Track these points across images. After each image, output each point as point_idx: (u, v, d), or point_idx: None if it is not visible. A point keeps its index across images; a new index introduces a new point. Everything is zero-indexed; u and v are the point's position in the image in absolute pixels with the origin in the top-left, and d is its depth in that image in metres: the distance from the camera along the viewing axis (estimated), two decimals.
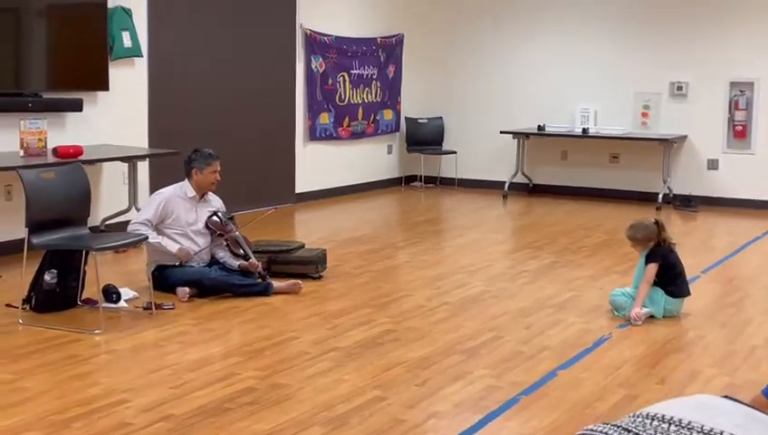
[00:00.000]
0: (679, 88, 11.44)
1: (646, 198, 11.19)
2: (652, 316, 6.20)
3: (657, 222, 6.43)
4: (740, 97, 11.17)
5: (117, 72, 8.47)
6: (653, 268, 6.22)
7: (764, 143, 11.12)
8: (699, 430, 1.97)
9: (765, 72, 10.99)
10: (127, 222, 6.83)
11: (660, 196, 11.24)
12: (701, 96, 11.35)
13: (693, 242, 8.57)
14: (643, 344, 5.70)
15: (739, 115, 11.19)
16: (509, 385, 4.90)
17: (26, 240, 5.80)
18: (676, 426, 2.01)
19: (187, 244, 6.63)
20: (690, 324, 6.21)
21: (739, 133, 11.22)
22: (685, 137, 11.48)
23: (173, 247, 6.51)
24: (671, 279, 6.28)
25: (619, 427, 2.14)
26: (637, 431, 2.06)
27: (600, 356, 5.46)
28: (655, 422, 2.06)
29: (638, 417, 2.16)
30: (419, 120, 12.62)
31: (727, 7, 11.05)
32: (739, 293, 7.31)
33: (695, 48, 11.29)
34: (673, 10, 11.31)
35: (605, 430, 2.14)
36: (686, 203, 11.17)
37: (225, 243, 6.74)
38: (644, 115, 11.63)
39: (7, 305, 6.08)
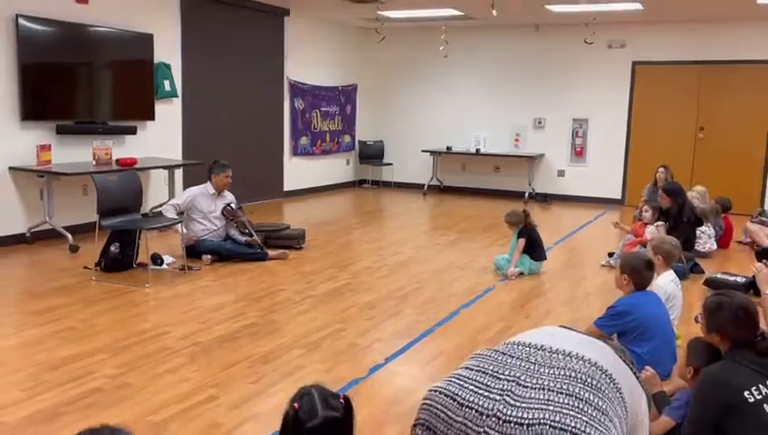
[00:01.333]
0: (539, 122, 11.54)
1: (517, 196, 11.27)
2: (522, 274, 6.28)
3: (524, 211, 6.51)
4: (579, 128, 11.31)
5: (160, 108, 8.36)
6: (522, 242, 6.30)
7: (594, 159, 11.26)
8: (549, 349, 2.00)
9: (594, 112, 11.14)
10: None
11: (527, 194, 11.36)
12: (553, 127, 11.46)
13: (548, 224, 8.71)
14: (515, 292, 5.78)
15: (578, 140, 11.34)
16: (428, 320, 4.95)
17: (97, 223, 5.76)
18: (535, 348, 2.05)
19: (209, 225, 6.61)
20: (546, 279, 6.29)
21: (578, 152, 11.38)
22: (542, 155, 11.58)
23: (196, 229, 6.59)
24: (534, 249, 6.37)
25: (497, 351, 2.17)
26: (509, 353, 2.09)
27: (488, 300, 5.53)
28: (520, 346, 2.09)
29: (509, 343, 2.19)
30: (368, 142, 12.60)
31: (570, 69, 11.16)
32: (578, 258, 7.43)
33: (549, 96, 11.39)
34: (536, 71, 11.40)
35: (488, 353, 2.17)
36: (544, 199, 11.32)
37: (235, 225, 6.70)
38: (516, 140, 11.71)
39: (85, 267, 6.01)
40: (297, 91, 10.90)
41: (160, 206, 7.96)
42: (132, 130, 7.96)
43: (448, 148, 11.89)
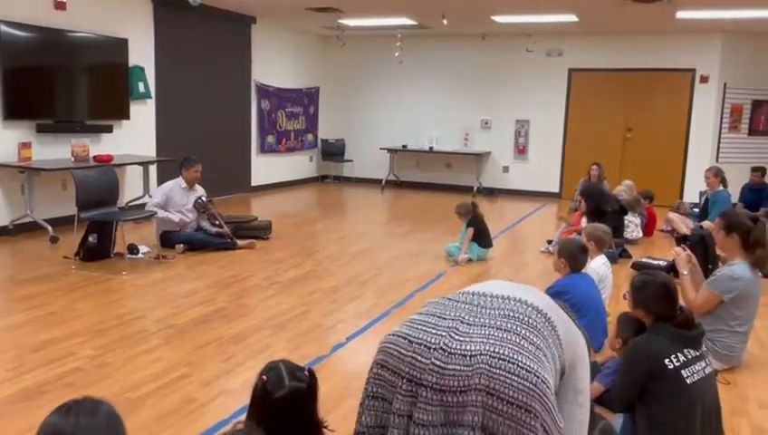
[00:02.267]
0: (486, 122, 11.64)
1: (466, 190, 11.35)
2: (471, 260, 6.35)
3: (473, 203, 6.59)
4: (521, 129, 11.44)
5: (135, 108, 8.20)
6: (471, 231, 6.37)
7: (534, 157, 11.40)
8: (491, 295, 2.04)
9: (534, 114, 11.28)
10: (142, 205, 6.67)
11: (475, 188, 11.45)
12: (498, 128, 11.56)
13: (494, 215, 8.79)
14: (465, 276, 5.83)
15: (521, 140, 11.47)
16: (386, 302, 4.98)
17: (76, 215, 5.67)
18: (478, 295, 2.07)
19: (182, 218, 6.52)
20: (493, 264, 6.38)
21: (521, 150, 11.51)
22: (489, 152, 11.68)
23: (176, 218, 6.45)
24: (481, 237, 6.45)
25: (445, 298, 2.21)
26: (455, 299, 2.12)
27: (440, 284, 5.58)
28: (466, 294, 2.13)
29: (458, 293, 2.22)
30: (329, 140, 12.53)
31: (513, 75, 11.28)
32: (521, 245, 7.55)
33: (495, 99, 11.49)
34: (483, 76, 11.50)
35: (437, 300, 2.21)
36: (490, 192, 11.42)
37: (206, 217, 6.63)
38: (466, 139, 11.78)
39: (64, 257, 5.89)
40: (263, 93, 10.79)
41: (136, 199, 7.88)
42: (108, 129, 7.81)
43: (404, 146, 11.91)
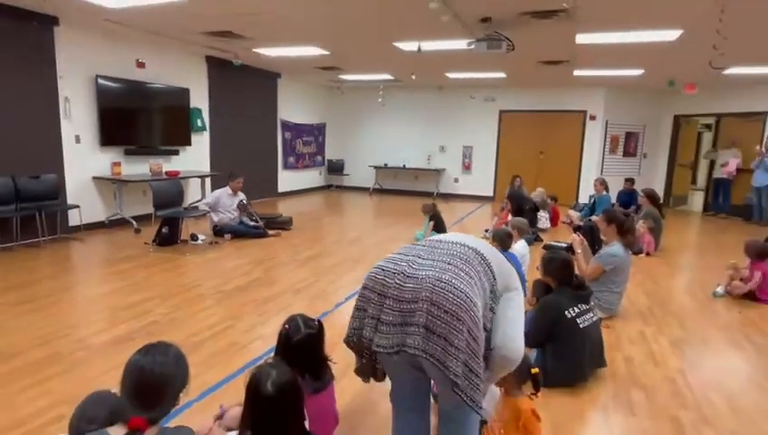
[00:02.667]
0: (442, 148, 11.58)
1: (429, 195, 11.31)
2: None
3: (434, 204, 6.57)
4: (467, 152, 11.42)
5: (195, 138, 8.07)
6: (432, 224, 6.36)
7: (476, 171, 11.34)
8: (443, 240, 2.00)
9: (476, 142, 11.23)
10: (197, 207, 6.56)
11: (435, 193, 11.41)
12: (451, 151, 11.52)
13: (448, 212, 8.79)
14: None
15: (466, 160, 11.42)
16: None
17: (153, 213, 5.59)
18: (435, 240, 2.02)
19: (229, 215, 6.44)
20: None
21: (467, 167, 11.48)
22: (444, 169, 11.63)
23: (216, 217, 6.38)
24: (439, 227, 6.40)
25: (409, 245, 2.14)
26: (418, 245, 2.06)
27: None
28: (426, 240, 2.08)
29: (427, 239, 2.14)
30: (333, 160, 12.42)
31: (461, 114, 11.27)
32: (466, 233, 7.53)
33: (448, 131, 11.46)
34: (440, 115, 11.45)
35: (410, 245, 2.10)
36: (446, 197, 11.41)
37: (246, 214, 6.56)
38: (428, 159, 11.73)
39: (144, 243, 5.81)
40: (286, 127, 10.68)
41: (197, 202, 7.78)
42: (176, 152, 7.70)
43: (385, 164, 11.85)
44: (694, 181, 12.63)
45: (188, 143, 7.95)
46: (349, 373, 2.83)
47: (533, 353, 2.90)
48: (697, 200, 11.17)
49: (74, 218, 6.29)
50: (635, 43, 5.97)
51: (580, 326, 2.80)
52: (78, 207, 6.16)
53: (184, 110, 7.82)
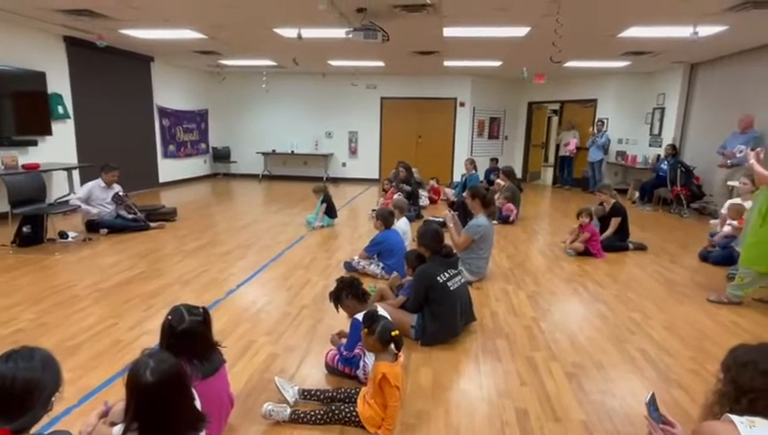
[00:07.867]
0: (329, 134, 11.54)
1: (319, 179, 11.22)
2: (323, 226, 6.28)
3: (325, 186, 6.57)
4: (353, 137, 11.48)
5: (56, 126, 7.08)
6: (324, 206, 6.31)
7: (362, 155, 11.46)
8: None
9: (361, 127, 11.35)
10: (67, 202, 5.83)
11: (324, 178, 11.34)
12: (338, 136, 11.52)
13: (338, 195, 8.81)
14: (319, 237, 5.77)
15: (353, 144, 11.49)
16: (264, 258, 4.83)
17: (10, 211, 4.86)
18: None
19: (104, 209, 5.82)
20: (338, 228, 6.34)
21: (353, 151, 11.56)
22: (332, 153, 11.62)
23: (94, 210, 5.75)
24: (330, 209, 6.38)
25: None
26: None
27: (302, 243, 5.48)
28: None
29: None
30: (218, 147, 11.73)
31: (345, 101, 11.29)
32: (355, 213, 7.58)
33: (335, 117, 11.41)
34: (325, 101, 11.37)
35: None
36: (334, 180, 11.38)
37: (123, 207, 5.97)
38: (316, 144, 11.63)
39: (2, 245, 5.02)
40: (163, 113, 9.82)
41: (63, 197, 6.89)
42: (34, 143, 6.70)
43: (273, 150, 11.50)
44: (546, 159, 14.13)
45: (48, 132, 6.96)
46: (244, 358, 2.77)
47: (414, 317, 3.10)
48: (548, 175, 12.57)
49: None
50: (493, 38, 6.48)
51: (451, 289, 3.05)
52: None
53: (40, 95, 6.81)
